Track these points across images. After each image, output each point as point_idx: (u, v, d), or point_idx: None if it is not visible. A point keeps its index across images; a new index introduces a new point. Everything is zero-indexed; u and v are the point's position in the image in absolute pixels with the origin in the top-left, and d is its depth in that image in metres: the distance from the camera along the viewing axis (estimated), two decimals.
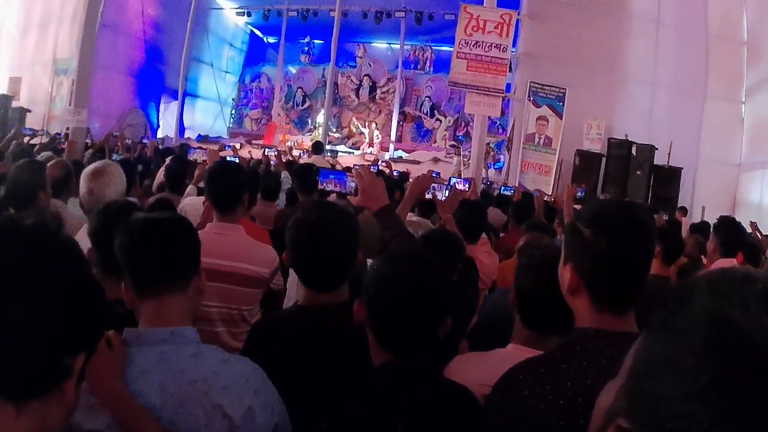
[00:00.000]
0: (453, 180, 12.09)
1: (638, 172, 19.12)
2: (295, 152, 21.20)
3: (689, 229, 10.19)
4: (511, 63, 18.92)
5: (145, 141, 18.74)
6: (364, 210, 3.63)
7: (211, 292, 3.45)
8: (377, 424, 2.10)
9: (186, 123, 29.90)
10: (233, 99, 35.71)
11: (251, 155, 17.60)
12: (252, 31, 35.58)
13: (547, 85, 19.30)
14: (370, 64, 32.85)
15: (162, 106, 29.98)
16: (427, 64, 32.46)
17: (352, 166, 15.10)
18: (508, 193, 12.22)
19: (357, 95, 32.53)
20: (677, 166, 19.34)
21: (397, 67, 31.83)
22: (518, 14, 17.84)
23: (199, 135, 29.04)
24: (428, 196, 5.02)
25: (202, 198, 5.97)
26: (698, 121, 20.66)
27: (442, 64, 30.01)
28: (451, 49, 16.40)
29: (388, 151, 29.59)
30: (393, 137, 31.13)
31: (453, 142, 28.63)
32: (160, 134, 28.55)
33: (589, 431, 0.95)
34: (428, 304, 2.22)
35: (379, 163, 17.48)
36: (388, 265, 2.26)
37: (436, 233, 4.18)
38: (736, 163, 20.73)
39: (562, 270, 2.13)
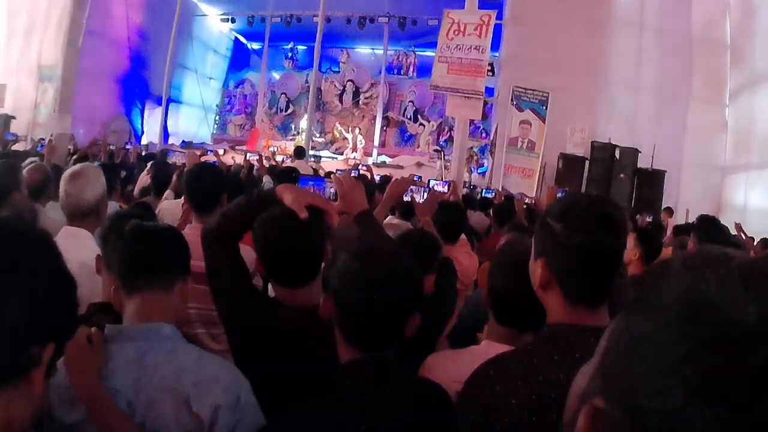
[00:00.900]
0: (432, 182, 12.11)
1: (622, 175, 19.19)
2: (278, 157, 21.20)
3: (673, 230, 10.21)
4: (493, 67, 18.96)
5: (128, 147, 18.68)
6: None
7: (190, 293, 3.45)
8: (339, 424, 2.08)
9: (170, 129, 29.77)
10: (217, 105, 35.67)
11: (234, 161, 17.59)
12: (236, 37, 35.56)
13: (530, 89, 19.31)
14: (353, 70, 32.83)
15: (146, 113, 29.92)
16: (411, 69, 32.45)
17: (334, 171, 15.14)
18: (489, 195, 12.27)
19: (340, 100, 32.50)
20: (661, 169, 19.41)
21: (380, 73, 31.80)
22: (500, 19, 17.85)
23: (183, 141, 28.95)
24: (407, 198, 5.03)
25: (179, 201, 5.98)
26: (682, 124, 20.82)
27: (425, 69, 30.01)
28: (435, 54, 16.43)
29: (371, 156, 29.57)
30: (376, 142, 31.06)
31: (436, 147, 28.66)
32: (144, 140, 28.45)
33: (564, 416, 0.94)
34: (394, 298, 2.19)
35: (360, 167, 17.48)
36: (354, 258, 2.24)
37: (412, 233, 4.18)
38: (721, 166, 20.83)
39: (533, 265, 2.12)
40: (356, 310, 2.19)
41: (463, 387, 2.08)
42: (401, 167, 25.46)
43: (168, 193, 7.06)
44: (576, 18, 19.98)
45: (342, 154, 29.94)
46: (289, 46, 34.29)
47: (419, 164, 26.39)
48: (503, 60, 20.99)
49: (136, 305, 2.35)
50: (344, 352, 2.25)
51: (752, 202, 18.49)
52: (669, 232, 11.13)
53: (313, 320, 2.46)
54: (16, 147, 13.98)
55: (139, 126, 29.59)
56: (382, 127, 31.48)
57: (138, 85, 28.99)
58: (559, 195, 8.80)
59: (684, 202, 18.95)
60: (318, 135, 30.90)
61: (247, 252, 4.22)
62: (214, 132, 35.00)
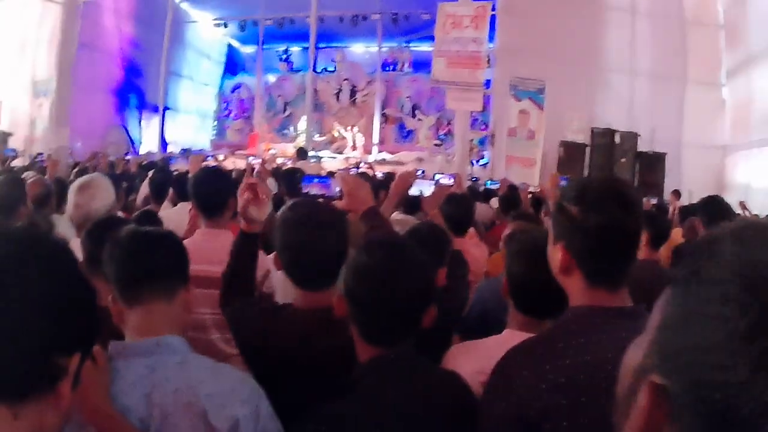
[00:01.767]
0: (437, 176, 12.10)
1: (623, 160, 19.21)
2: (279, 160, 21.18)
3: (678, 211, 10.21)
4: (489, 58, 18.97)
5: (128, 157, 18.66)
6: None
7: (203, 299, 3.43)
8: (364, 422, 2.08)
9: (168, 138, 29.74)
10: (214, 111, 35.64)
11: (235, 165, 17.56)
12: (229, 42, 35.51)
13: (527, 79, 19.31)
14: (348, 68, 32.79)
15: (143, 122, 29.88)
16: (406, 64, 32.40)
17: (335, 170, 15.13)
18: (494, 187, 12.27)
19: (337, 100, 32.38)
20: (661, 151, 19.44)
21: (375, 70, 31.80)
22: (493, 9, 17.84)
23: (183, 149, 28.93)
24: (415, 193, 5.01)
25: (176, 208, 5.98)
26: (679, 106, 20.80)
27: (420, 64, 30.02)
28: (430, 48, 16.48)
29: (371, 154, 29.54)
30: (376, 140, 31.04)
31: (436, 142, 28.67)
32: (142, 150, 28.40)
33: (617, 392, 0.93)
34: (408, 290, 2.19)
35: (361, 164, 17.44)
36: (366, 254, 2.24)
37: (421, 227, 4.16)
38: (721, 146, 20.82)
39: (552, 250, 2.13)
40: (372, 306, 2.18)
41: (491, 375, 2.08)
42: (402, 163, 25.41)
43: (166, 203, 6.99)
44: (569, 6, 19.97)
45: (342, 153, 29.88)
46: (283, 48, 34.25)
47: (420, 159, 26.35)
48: (498, 50, 20.99)
49: (139, 318, 2.26)
50: (363, 350, 2.25)
51: (754, 181, 18.46)
52: (674, 214, 11.12)
53: (325, 320, 2.46)
54: (15, 162, 13.99)
55: (137, 136, 29.54)
56: (380, 124, 31.42)
57: (133, 95, 28.93)
58: (562, 183, 8.81)
59: (686, 183, 18.89)
60: (317, 135, 30.83)
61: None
62: (213, 138, 34.96)
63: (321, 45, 29.46)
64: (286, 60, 34.91)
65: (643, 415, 0.82)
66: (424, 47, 27.41)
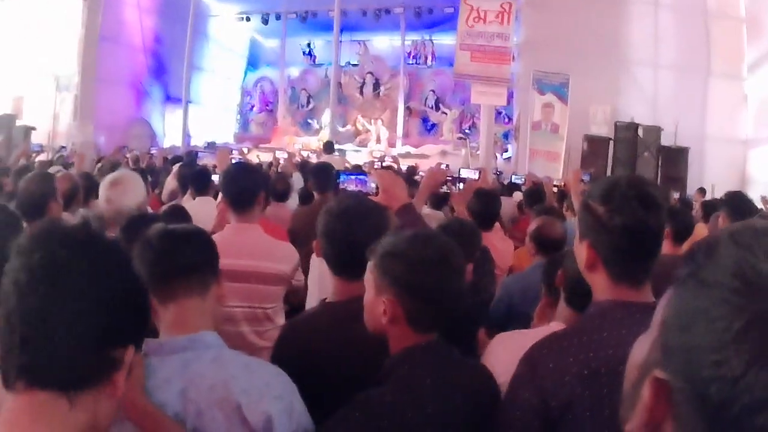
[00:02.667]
0: (463, 172, 12.09)
1: (646, 154, 19.15)
2: (304, 153, 21.22)
3: (701, 207, 10.19)
4: (513, 52, 18.95)
5: (153, 151, 18.68)
6: None
7: (234, 292, 3.50)
8: (406, 409, 2.12)
9: (192, 131, 29.76)
10: (237, 104, 35.69)
11: (259, 158, 17.59)
12: (252, 35, 35.48)
13: (551, 72, 19.27)
14: (372, 62, 32.70)
15: (167, 116, 29.93)
16: (429, 58, 32.33)
17: (362, 164, 15.16)
18: (519, 181, 12.27)
19: (361, 93, 32.30)
20: (684, 146, 19.36)
21: (399, 63, 31.67)
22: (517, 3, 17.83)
23: (207, 142, 28.92)
24: (444, 189, 5.05)
25: (203, 201, 6.05)
26: (702, 99, 20.67)
27: (444, 58, 29.97)
28: (452, 41, 16.43)
29: (395, 147, 29.48)
30: (399, 133, 30.93)
31: (460, 135, 28.58)
32: (166, 144, 28.42)
33: (624, 385, 0.99)
34: (461, 281, 2.29)
35: (385, 158, 17.42)
36: (422, 246, 2.27)
37: (453, 223, 4.20)
38: (743, 140, 20.68)
39: (578, 247, 2.20)
40: (432, 295, 2.23)
41: (518, 365, 2.15)
42: (426, 157, 25.34)
43: (187, 197, 6.94)
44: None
45: (366, 146, 29.82)
46: (306, 41, 34.19)
47: (444, 153, 26.29)
48: (522, 44, 20.93)
49: (173, 315, 2.28)
50: (401, 338, 2.28)
51: None
52: (698, 209, 11.09)
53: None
54: (40, 158, 14.06)
55: (160, 130, 29.58)
56: (404, 117, 31.28)
57: (156, 89, 29.06)
58: (584, 178, 8.82)
59: (709, 178, 18.78)
60: (341, 129, 30.73)
61: (287, 248, 4.31)
62: (237, 131, 34.98)
63: (344, 38, 29.43)
64: (309, 53, 34.86)
65: (647, 408, 0.88)
66: (448, 40, 27.27)
